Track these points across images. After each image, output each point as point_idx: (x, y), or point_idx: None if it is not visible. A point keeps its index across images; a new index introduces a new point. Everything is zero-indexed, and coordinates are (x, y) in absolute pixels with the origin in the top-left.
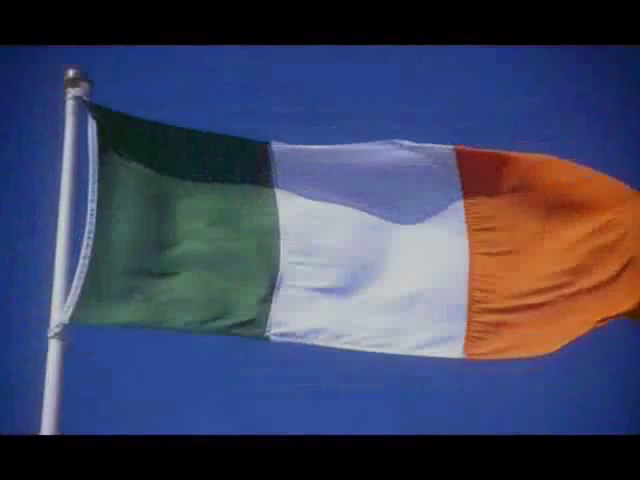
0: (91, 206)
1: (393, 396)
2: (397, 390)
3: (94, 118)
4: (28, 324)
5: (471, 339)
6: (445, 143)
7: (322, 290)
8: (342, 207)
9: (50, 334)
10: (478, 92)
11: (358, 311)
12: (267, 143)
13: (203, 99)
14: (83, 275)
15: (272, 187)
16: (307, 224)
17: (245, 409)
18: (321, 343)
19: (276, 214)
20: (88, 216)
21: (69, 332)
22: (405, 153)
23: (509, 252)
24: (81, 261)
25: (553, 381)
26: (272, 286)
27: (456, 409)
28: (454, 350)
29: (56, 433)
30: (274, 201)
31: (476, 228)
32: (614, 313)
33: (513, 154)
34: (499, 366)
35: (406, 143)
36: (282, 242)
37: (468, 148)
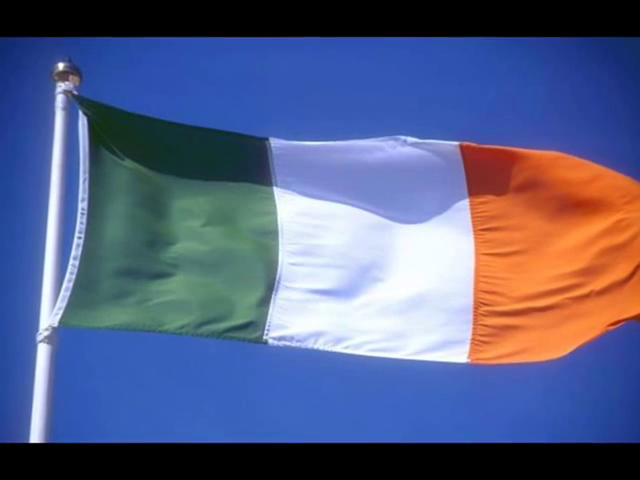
0: (82, 205)
1: (395, 402)
2: (399, 396)
3: (85, 113)
4: (16, 327)
5: (477, 343)
6: (450, 139)
7: (322, 292)
8: (343, 206)
9: (39, 338)
10: (485, 86)
11: (359, 314)
12: (265, 139)
13: (199, 93)
14: (73, 277)
15: (270, 185)
16: (307, 224)
17: (242, 415)
18: (321, 347)
19: (274, 213)
20: (79, 215)
21: (59, 336)
22: (408, 150)
23: (516, 253)
24: (71, 262)
25: (562, 387)
26: (270, 288)
27: (461, 416)
28: (459, 355)
29: (46, 441)
30: (272, 200)
31: (482, 228)
32: (626, 316)
33: (521, 150)
34: (506, 371)
35: (410, 139)
36: (281, 242)
37: (474, 144)
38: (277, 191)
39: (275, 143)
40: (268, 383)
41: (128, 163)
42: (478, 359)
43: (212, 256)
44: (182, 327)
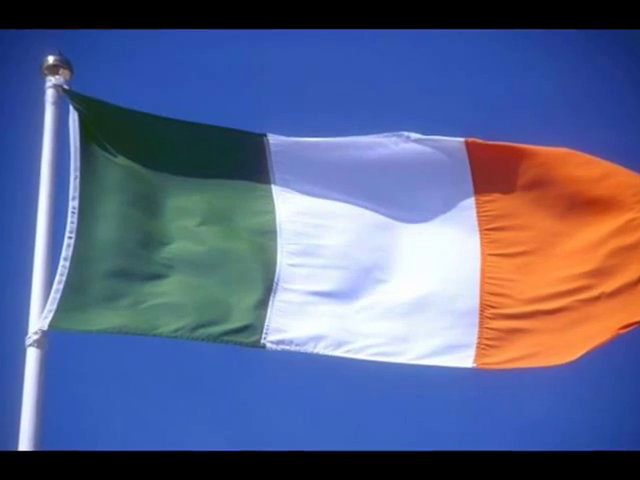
0: (73, 204)
1: (398, 408)
2: (402, 402)
3: (76, 108)
4: (4, 331)
5: (483, 347)
6: (455, 135)
7: (322, 294)
8: (344, 204)
9: (28, 342)
10: (491, 80)
11: (361, 317)
12: (263, 135)
13: (194, 87)
14: (64, 278)
15: (268, 183)
16: (306, 223)
17: (240, 422)
18: (321, 352)
19: (273, 212)
20: (69, 214)
21: (49, 339)
22: (412, 146)
23: (524, 253)
24: (61, 263)
25: (571, 393)
26: (268, 290)
27: (466, 423)
28: (464, 359)
29: (35, 449)
30: (270, 198)
31: (488, 227)
32: (638, 319)
33: (529, 147)
34: (513, 376)
35: (413, 135)
36: (279, 242)
37: (480, 140)
38: (275, 189)
39: (273, 139)
40: (266, 389)
41: (121, 160)
42: (484, 364)
43: (208, 257)
44: (177, 330)
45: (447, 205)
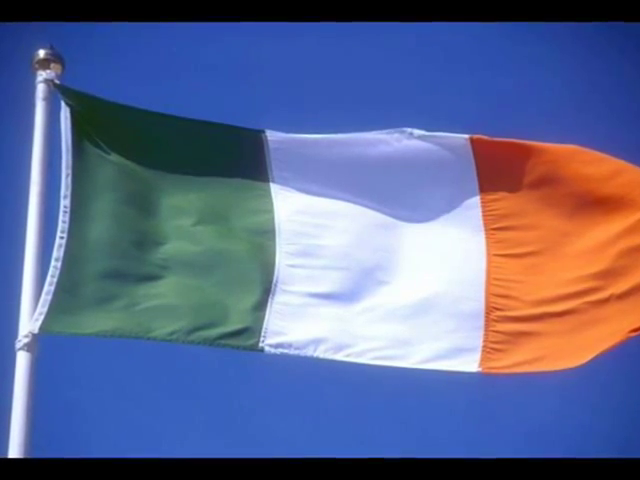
0: (64, 202)
1: (401, 414)
2: (405, 407)
3: (68, 104)
4: None
5: (488, 351)
6: (460, 132)
7: (323, 296)
8: (345, 203)
9: (18, 345)
10: (497, 75)
11: (362, 319)
12: (262, 132)
13: (190, 82)
14: (55, 279)
15: (267, 181)
16: (306, 222)
17: (237, 428)
18: (321, 355)
19: (271, 211)
20: (61, 214)
21: (39, 343)
22: (415, 143)
23: (531, 253)
24: (53, 264)
25: (580, 398)
26: (267, 291)
27: (471, 429)
28: (469, 363)
29: (26, 456)
30: (269, 197)
31: (494, 227)
32: None
33: (536, 144)
34: (519, 381)
35: (416, 132)
36: (278, 242)
37: (485, 137)
38: (274, 187)
39: (272, 136)
40: (264, 393)
41: (114, 157)
42: (490, 368)
43: (204, 257)
44: (172, 333)
45: (451, 204)
